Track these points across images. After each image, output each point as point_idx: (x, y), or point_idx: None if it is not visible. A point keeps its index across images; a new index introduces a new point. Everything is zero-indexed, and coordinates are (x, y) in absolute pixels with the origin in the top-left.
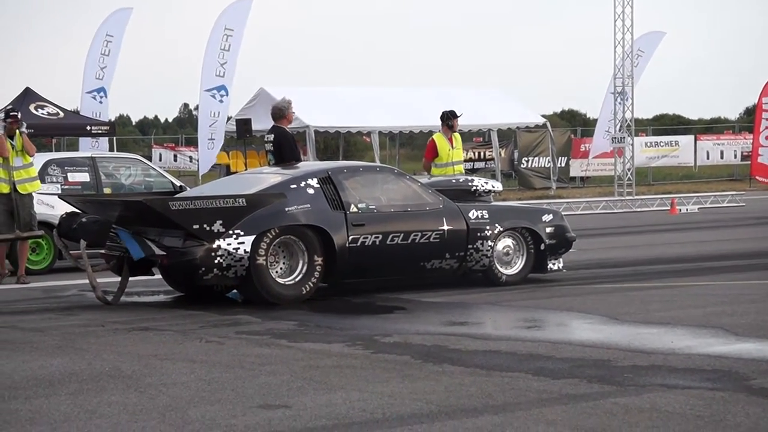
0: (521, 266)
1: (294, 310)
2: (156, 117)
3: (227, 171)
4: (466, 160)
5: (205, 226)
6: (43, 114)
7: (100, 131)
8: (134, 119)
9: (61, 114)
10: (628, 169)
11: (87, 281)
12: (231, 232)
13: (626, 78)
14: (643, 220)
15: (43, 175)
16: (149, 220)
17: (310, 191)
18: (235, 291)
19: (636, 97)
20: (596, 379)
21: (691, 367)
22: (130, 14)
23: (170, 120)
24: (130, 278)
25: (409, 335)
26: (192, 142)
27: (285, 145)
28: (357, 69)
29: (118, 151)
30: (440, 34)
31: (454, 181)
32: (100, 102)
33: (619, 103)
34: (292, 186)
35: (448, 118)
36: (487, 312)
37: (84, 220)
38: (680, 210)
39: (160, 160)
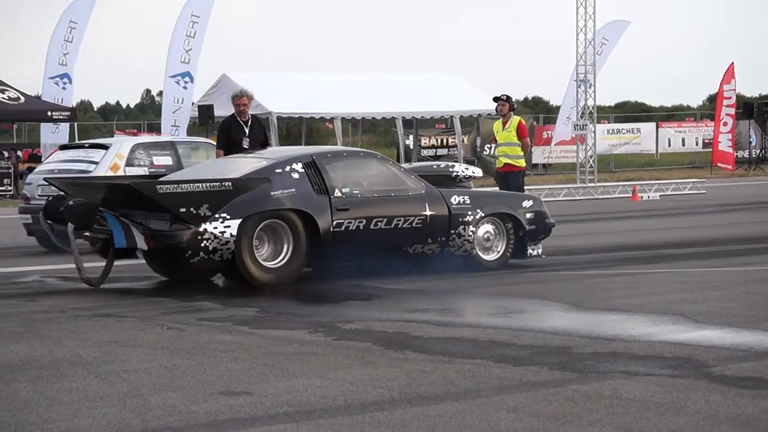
0: (501, 252)
1: (256, 297)
2: (118, 103)
3: None
4: (428, 146)
5: (191, 209)
6: (4, 99)
7: (61, 117)
8: (96, 105)
9: (23, 99)
10: (590, 157)
11: (47, 267)
12: (217, 215)
13: (589, 66)
14: (605, 208)
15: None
16: (136, 203)
17: (295, 176)
18: None
19: (598, 84)
20: (557, 366)
21: (651, 354)
22: (96, 1)
23: (132, 106)
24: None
25: (371, 322)
26: (154, 128)
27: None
28: (319, 55)
29: (79, 137)
30: (404, 20)
31: (435, 166)
32: (63, 88)
33: (582, 91)
34: (277, 170)
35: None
36: (450, 299)
37: (71, 203)
38: (642, 197)
39: None
